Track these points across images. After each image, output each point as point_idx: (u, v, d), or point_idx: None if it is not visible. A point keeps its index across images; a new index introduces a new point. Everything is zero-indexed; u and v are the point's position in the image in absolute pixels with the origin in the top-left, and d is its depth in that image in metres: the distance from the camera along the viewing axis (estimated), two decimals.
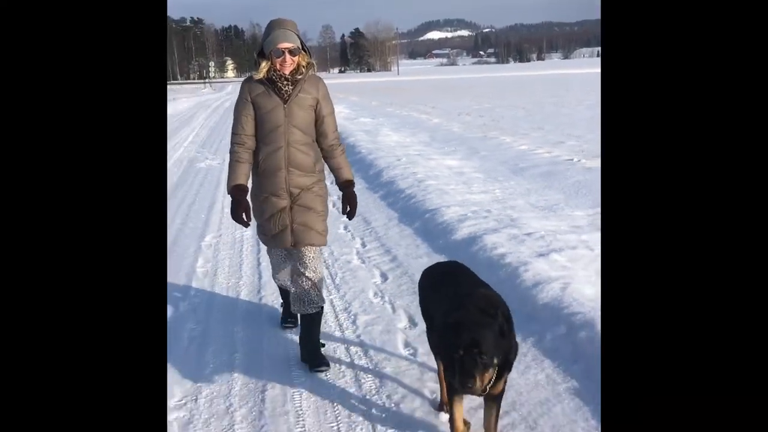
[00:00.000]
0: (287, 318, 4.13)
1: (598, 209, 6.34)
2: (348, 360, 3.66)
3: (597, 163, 8.98)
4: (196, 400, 3.30)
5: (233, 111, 3.56)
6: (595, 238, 5.28)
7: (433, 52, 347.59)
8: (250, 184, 3.51)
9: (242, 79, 4.09)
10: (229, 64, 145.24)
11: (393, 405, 3.16)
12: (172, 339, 3.94)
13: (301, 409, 3.16)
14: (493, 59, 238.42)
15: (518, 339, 3.63)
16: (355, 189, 3.67)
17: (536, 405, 3.05)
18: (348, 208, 3.64)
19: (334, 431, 2.97)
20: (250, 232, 6.16)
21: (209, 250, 5.97)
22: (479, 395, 2.55)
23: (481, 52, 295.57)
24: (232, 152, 3.50)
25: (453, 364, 2.44)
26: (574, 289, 4.06)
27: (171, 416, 3.14)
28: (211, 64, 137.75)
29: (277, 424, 3.03)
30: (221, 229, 6.70)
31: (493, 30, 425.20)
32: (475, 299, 2.59)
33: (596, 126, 13.88)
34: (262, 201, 3.55)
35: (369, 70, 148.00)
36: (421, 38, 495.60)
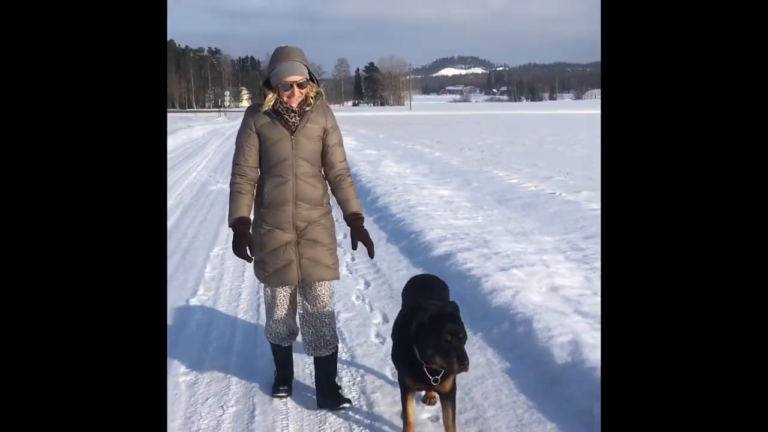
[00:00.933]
0: (280, 385, 3.64)
1: (566, 236, 7.10)
2: None
3: (576, 196, 9.76)
4: (200, 369, 4.04)
5: (235, 140, 3.41)
6: (555, 258, 6.02)
7: (447, 88, 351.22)
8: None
9: None
10: (244, 93, 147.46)
11: (359, 376, 3.90)
12: (181, 326, 4.71)
13: None
14: (505, 97, 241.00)
15: (478, 335, 4.40)
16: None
17: (473, 379, 3.77)
18: (358, 245, 3.41)
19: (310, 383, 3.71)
20: None
21: (216, 260, 6.76)
22: (435, 389, 3.02)
23: (494, 90, 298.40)
24: (233, 183, 3.35)
25: (441, 351, 2.76)
26: (523, 296, 4.80)
27: (179, 379, 3.88)
28: (227, 93, 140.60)
29: (264, 383, 3.76)
30: (228, 243, 7.48)
31: (507, 68, 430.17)
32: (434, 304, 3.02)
33: (585, 164, 14.73)
34: (264, 234, 3.35)
35: (383, 104, 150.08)
36: (435, 74, 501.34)
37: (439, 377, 2.93)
